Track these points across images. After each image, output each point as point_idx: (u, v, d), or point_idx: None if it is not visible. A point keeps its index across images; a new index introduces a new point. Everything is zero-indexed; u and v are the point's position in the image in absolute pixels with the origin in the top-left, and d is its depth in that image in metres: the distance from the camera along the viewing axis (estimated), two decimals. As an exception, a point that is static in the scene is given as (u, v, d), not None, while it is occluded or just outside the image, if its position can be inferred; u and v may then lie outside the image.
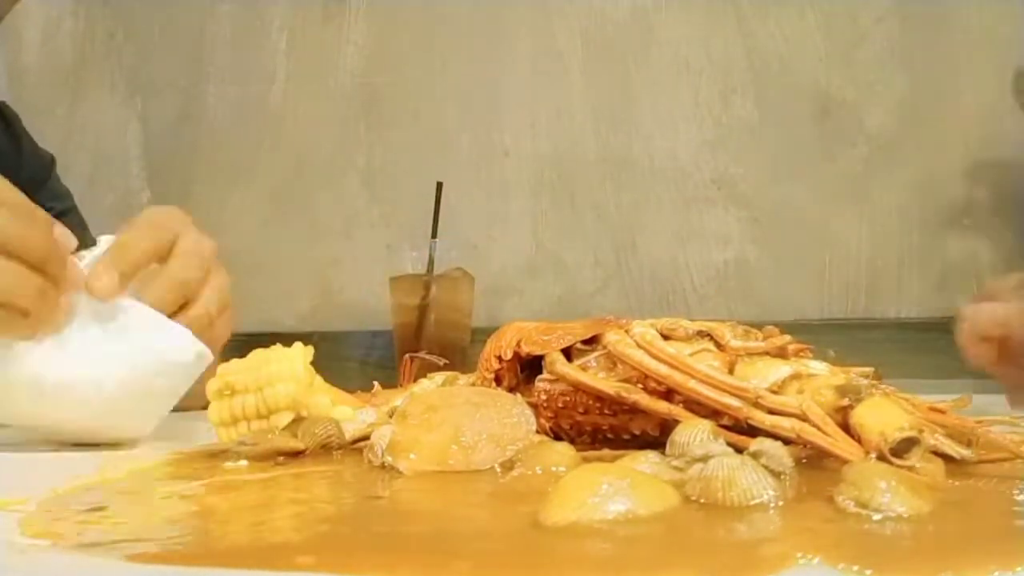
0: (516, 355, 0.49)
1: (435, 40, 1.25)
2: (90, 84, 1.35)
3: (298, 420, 0.50)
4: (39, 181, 0.88)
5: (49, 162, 0.93)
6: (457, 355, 0.97)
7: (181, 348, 0.54)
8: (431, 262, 1.00)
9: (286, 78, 1.29)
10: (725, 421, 0.41)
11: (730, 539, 0.29)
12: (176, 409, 0.85)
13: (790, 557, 0.25)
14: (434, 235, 1.01)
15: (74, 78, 1.35)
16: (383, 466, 0.41)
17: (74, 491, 0.37)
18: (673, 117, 1.19)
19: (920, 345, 1.03)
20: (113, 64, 1.34)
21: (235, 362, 0.55)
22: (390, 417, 0.49)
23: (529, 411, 0.43)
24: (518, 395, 0.46)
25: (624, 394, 0.43)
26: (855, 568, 0.24)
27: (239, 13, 1.31)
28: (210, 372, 0.55)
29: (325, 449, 0.47)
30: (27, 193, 0.50)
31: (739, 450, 0.35)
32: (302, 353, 0.55)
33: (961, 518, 0.31)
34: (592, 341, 0.46)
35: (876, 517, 0.29)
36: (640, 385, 0.43)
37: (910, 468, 0.36)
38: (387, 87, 1.26)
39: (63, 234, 0.52)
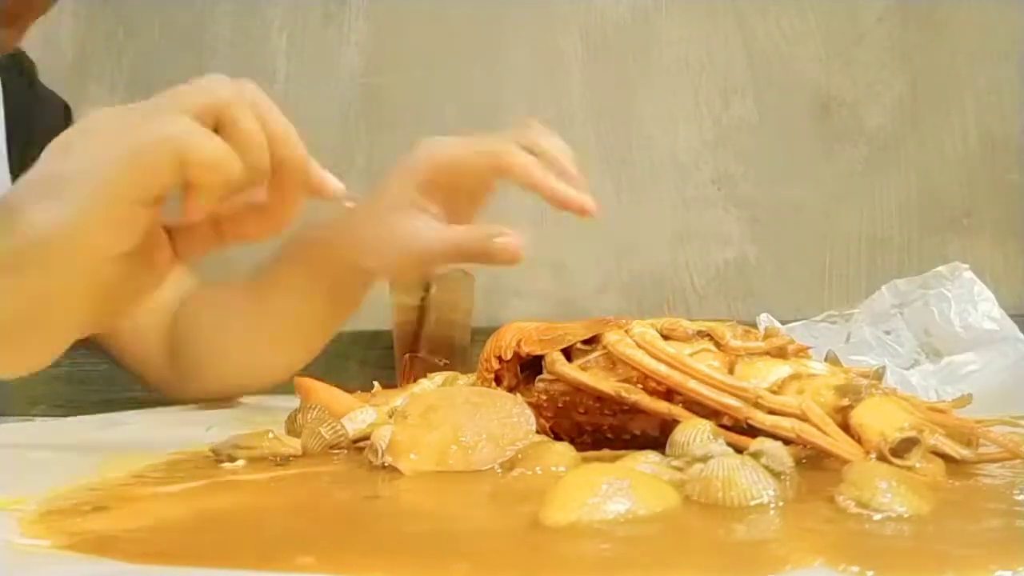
0: (516, 355, 0.49)
1: (435, 40, 1.25)
2: (90, 84, 1.35)
3: (301, 416, 0.50)
4: (54, 128, 0.89)
5: (63, 109, 0.93)
6: (457, 355, 0.97)
7: None
8: (431, 262, 1.00)
9: (286, 78, 1.29)
10: (725, 421, 0.41)
11: (730, 539, 0.29)
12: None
13: (790, 557, 0.25)
14: (434, 235, 1.01)
15: (74, 78, 1.35)
16: (383, 466, 0.41)
17: (74, 491, 0.37)
18: (673, 117, 1.19)
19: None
20: (113, 64, 1.34)
21: None
22: (390, 417, 0.49)
23: (529, 411, 0.43)
24: (518, 395, 0.46)
25: (624, 394, 0.43)
26: (856, 569, 0.24)
27: (239, 13, 1.31)
28: None
29: (324, 449, 0.47)
30: (42, 139, 0.46)
31: (739, 450, 0.35)
32: None
33: (961, 518, 0.31)
34: (592, 341, 0.46)
35: (876, 517, 0.29)
36: (640, 385, 0.43)
37: (910, 468, 0.36)
38: (387, 87, 1.26)
39: None
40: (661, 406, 0.42)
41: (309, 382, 0.61)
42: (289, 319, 0.76)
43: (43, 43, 1.36)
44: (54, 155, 0.45)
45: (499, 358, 0.50)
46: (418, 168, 0.63)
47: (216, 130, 0.43)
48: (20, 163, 0.83)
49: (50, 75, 1.36)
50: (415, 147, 0.64)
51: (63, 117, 0.92)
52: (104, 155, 0.42)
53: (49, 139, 0.46)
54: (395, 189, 0.63)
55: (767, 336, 0.45)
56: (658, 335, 0.45)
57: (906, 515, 0.29)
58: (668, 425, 0.41)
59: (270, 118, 0.45)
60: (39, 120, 0.85)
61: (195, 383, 0.83)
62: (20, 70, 0.90)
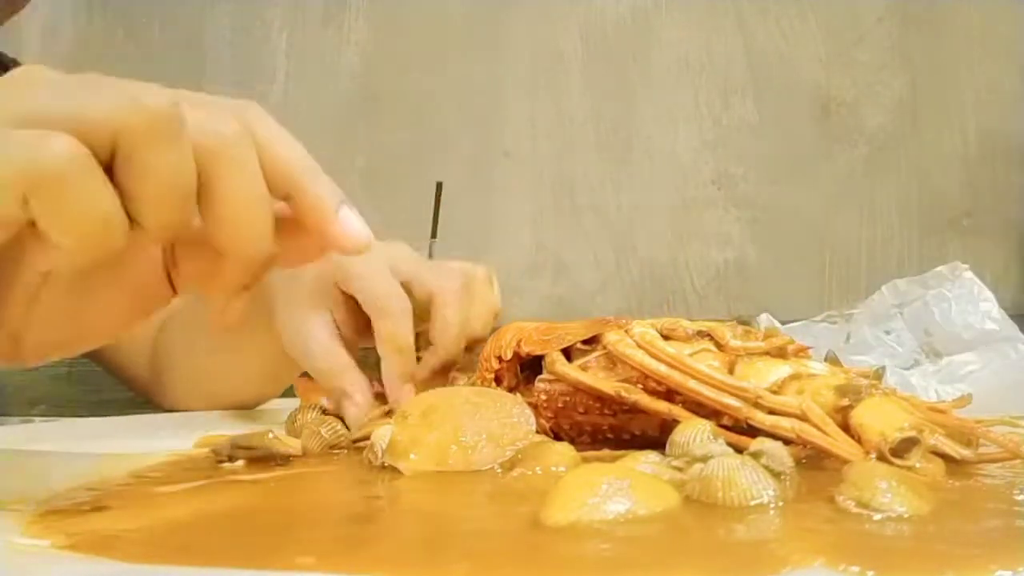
0: (516, 355, 0.49)
1: (435, 40, 1.25)
2: (90, 84, 1.35)
3: (301, 416, 0.50)
4: None
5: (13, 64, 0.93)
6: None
7: None
8: (431, 262, 1.00)
9: (286, 78, 1.29)
10: (725, 421, 0.41)
11: (730, 539, 0.29)
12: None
13: (790, 557, 0.25)
14: (434, 235, 1.01)
15: (74, 78, 1.35)
16: (383, 466, 0.41)
17: (74, 491, 0.37)
18: (673, 117, 1.19)
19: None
20: (113, 64, 1.34)
21: None
22: (390, 417, 0.49)
23: (529, 411, 0.43)
24: (518, 395, 0.46)
25: (624, 394, 0.43)
26: (856, 569, 0.24)
27: (239, 13, 1.31)
28: None
29: (324, 449, 0.47)
30: None
31: (739, 450, 0.35)
32: None
33: (961, 518, 0.31)
34: (592, 341, 0.46)
35: (877, 517, 0.29)
36: (640, 385, 0.43)
37: (910, 468, 0.36)
38: (387, 87, 1.26)
39: None
40: (661, 406, 0.42)
41: (309, 382, 0.60)
42: (252, 351, 0.71)
43: (43, 43, 1.37)
44: None
45: (499, 358, 0.50)
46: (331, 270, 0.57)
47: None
48: None
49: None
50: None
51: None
52: None
53: None
54: (312, 283, 0.58)
55: (767, 336, 0.45)
56: (658, 335, 0.45)
57: (906, 515, 0.29)
58: (668, 425, 0.40)
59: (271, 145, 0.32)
60: None
61: (173, 397, 0.84)
62: None
